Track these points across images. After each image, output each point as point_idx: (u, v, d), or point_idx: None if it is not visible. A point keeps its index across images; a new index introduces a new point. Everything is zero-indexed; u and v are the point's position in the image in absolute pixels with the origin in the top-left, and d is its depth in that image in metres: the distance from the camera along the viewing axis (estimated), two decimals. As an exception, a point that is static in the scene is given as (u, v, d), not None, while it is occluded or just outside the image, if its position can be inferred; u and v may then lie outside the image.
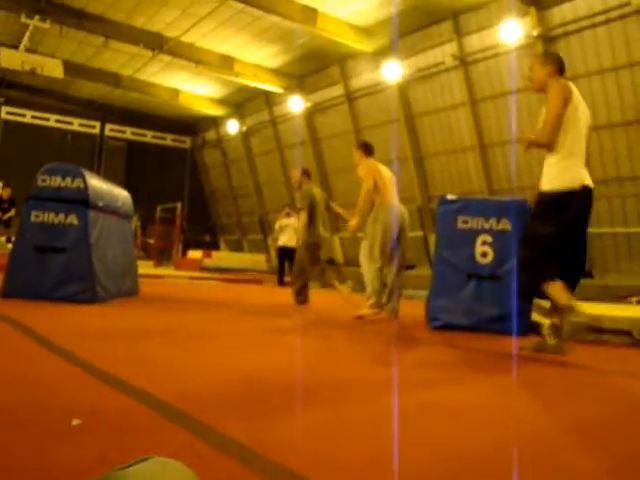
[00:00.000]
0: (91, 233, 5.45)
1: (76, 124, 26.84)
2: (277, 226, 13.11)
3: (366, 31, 17.30)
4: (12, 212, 14.63)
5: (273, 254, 23.19)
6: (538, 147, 3.82)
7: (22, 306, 4.93)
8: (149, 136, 28.65)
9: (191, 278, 14.12)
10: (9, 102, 25.27)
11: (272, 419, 1.90)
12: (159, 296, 7.75)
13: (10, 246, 13.92)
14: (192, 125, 28.69)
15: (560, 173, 3.71)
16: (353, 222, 6.05)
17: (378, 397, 2.37)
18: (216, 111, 25.67)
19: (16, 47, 19.44)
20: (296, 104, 21.66)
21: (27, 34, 18.55)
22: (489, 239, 4.96)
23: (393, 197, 6.11)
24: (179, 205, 20.47)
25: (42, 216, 5.37)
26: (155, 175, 27.00)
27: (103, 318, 4.64)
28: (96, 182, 5.91)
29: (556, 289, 3.57)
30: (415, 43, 17.35)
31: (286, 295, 7.90)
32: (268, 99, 23.40)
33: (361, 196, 6.00)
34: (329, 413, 2.03)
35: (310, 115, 21.76)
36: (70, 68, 20.20)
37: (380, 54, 17.84)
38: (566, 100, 3.71)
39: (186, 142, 29.89)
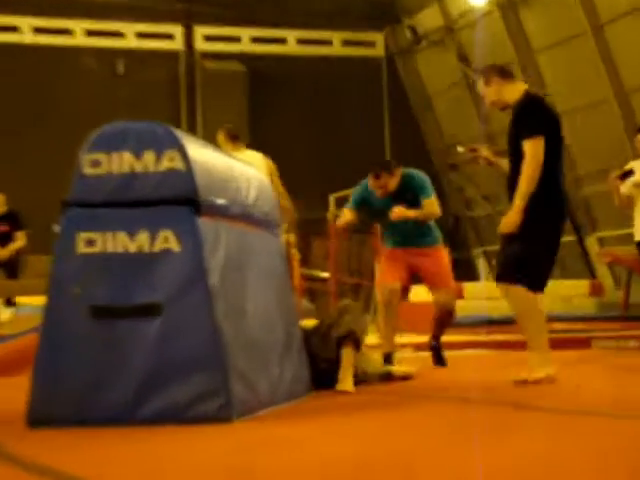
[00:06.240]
0: (210, 266, 2.50)
1: (131, 36, 13.84)
2: None
3: None
4: (18, 242, 7.55)
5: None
6: None
7: (75, 449, 2.07)
8: (292, 40, 14.39)
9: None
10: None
11: None
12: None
13: (8, 313, 7.32)
14: (385, 5, 14.65)
15: None
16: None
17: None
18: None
19: None
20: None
21: None
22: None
23: None
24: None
25: (100, 241, 2.43)
26: (313, 125, 13.90)
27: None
28: (205, 153, 2.79)
29: None
30: None
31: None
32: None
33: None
34: None
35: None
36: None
37: None
38: None
39: (376, 43, 14.94)
